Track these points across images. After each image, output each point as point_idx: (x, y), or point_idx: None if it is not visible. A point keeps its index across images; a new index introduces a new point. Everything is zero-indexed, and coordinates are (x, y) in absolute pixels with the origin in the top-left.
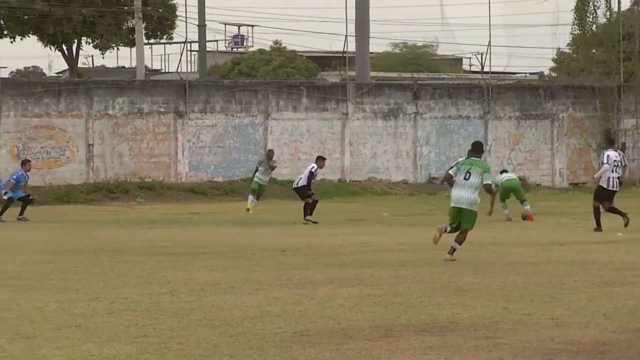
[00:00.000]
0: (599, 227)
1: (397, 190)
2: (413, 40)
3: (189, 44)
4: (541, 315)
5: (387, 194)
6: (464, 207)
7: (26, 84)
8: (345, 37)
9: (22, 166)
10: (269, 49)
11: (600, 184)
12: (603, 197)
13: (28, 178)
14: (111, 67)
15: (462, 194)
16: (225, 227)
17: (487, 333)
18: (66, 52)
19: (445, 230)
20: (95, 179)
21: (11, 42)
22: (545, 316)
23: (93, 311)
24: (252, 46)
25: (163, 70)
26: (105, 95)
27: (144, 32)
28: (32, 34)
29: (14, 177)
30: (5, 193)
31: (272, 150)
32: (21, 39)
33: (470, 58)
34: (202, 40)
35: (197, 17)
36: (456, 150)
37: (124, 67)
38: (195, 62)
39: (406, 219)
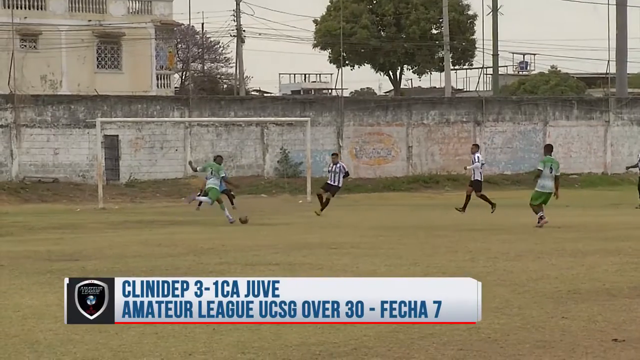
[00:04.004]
0: None
1: None
2: None
3: (485, 69)
4: None
5: None
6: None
7: (362, 101)
8: (608, 62)
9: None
10: (547, 72)
11: None
12: None
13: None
14: (425, 87)
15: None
16: (512, 209)
17: None
18: (392, 76)
19: (542, 218)
20: (414, 173)
21: (351, 70)
22: None
23: (413, 273)
24: (534, 70)
25: (465, 89)
26: (421, 109)
27: (450, 60)
28: (366, 63)
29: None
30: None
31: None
32: (358, 67)
33: None
34: (495, 66)
35: (491, 49)
36: None
37: (435, 87)
38: (490, 83)
39: None
